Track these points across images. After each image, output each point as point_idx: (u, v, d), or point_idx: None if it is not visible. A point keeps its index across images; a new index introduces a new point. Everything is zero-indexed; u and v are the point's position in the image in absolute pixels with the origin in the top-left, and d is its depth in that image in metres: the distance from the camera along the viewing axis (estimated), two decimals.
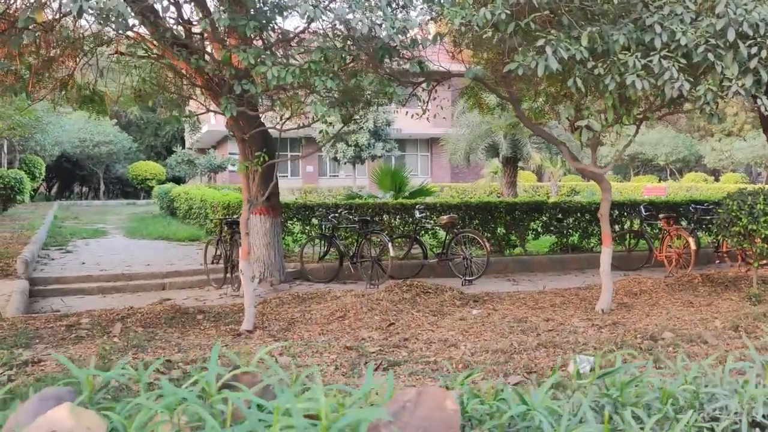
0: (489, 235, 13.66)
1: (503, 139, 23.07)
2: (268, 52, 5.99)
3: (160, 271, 11.43)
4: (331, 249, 11.69)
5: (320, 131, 8.84)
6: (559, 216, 14.12)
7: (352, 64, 6.58)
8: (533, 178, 39.23)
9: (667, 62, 6.05)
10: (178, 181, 32.98)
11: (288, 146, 38.24)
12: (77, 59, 9.21)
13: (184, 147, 34.18)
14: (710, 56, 6.04)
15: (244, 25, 5.75)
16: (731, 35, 5.98)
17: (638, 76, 6.08)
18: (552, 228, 14.18)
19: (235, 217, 10.97)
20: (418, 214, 12.23)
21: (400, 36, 5.77)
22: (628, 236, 13.78)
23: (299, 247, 12.06)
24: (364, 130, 31.59)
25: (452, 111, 25.00)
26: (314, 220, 12.64)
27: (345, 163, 32.01)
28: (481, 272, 11.36)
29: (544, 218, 14.07)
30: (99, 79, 10.07)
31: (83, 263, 12.15)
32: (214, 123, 32.05)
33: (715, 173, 39.22)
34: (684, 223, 13.80)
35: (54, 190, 38.13)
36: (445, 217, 11.98)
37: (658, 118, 7.89)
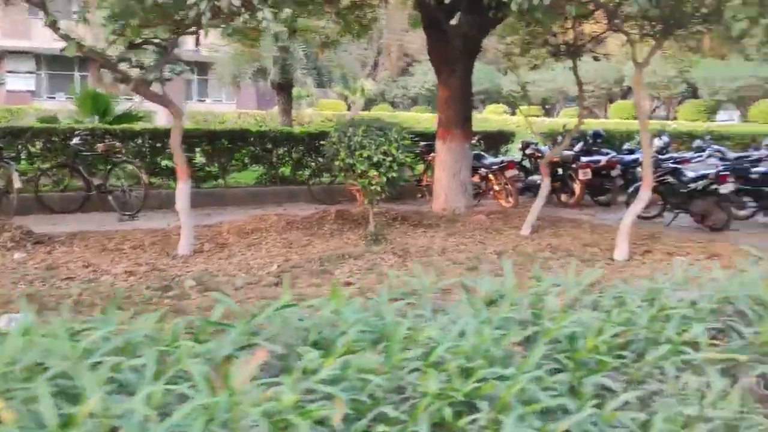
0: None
1: (272, 64, 21.64)
2: None
3: None
4: None
5: None
6: (268, 146, 13.15)
7: None
8: (342, 106, 38.24)
9: None
10: None
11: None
12: None
13: None
14: None
15: None
16: None
17: None
18: (261, 159, 13.21)
19: None
20: (76, 141, 10.76)
21: None
22: None
23: None
24: (149, 51, 29.04)
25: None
26: None
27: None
28: (139, 207, 10.21)
29: (251, 148, 13.04)
30: None
31: None
32: None
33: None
34: None
35: None
36: (101, 144, 10.64)
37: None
